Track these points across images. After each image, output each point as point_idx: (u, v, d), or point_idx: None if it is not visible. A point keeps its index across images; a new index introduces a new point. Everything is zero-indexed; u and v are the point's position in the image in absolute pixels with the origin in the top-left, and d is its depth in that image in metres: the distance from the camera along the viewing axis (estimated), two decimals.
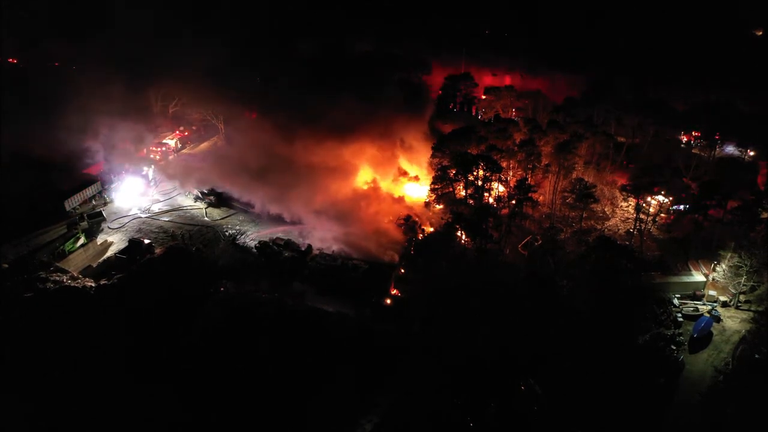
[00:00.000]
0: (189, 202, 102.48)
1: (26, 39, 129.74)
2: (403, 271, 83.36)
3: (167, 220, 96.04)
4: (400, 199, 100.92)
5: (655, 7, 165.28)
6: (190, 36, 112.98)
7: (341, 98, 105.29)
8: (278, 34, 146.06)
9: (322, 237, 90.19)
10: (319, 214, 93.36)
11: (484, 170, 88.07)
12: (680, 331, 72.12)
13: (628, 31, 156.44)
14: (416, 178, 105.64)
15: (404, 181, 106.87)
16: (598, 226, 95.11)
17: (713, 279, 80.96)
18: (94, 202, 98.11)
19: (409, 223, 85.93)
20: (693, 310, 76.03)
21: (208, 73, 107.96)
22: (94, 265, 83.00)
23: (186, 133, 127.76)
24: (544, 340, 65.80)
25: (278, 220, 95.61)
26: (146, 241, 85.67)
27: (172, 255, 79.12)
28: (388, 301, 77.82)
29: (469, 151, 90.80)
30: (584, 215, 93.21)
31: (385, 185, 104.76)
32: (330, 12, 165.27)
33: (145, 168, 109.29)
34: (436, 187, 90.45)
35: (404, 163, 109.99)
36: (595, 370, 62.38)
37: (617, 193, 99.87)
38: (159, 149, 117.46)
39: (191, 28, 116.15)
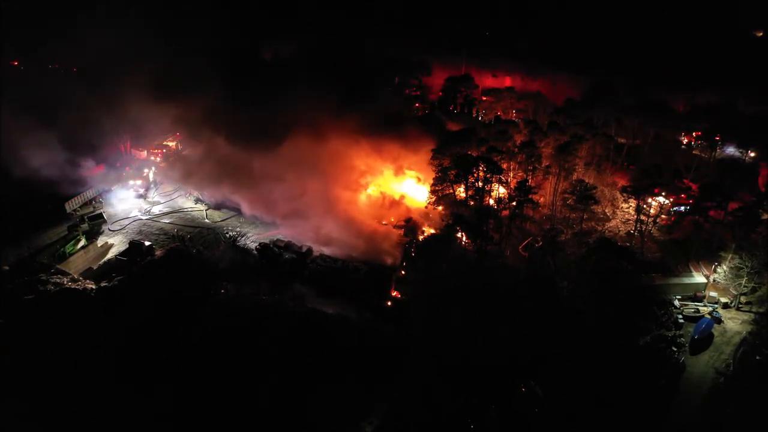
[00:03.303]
0: (190, 204, 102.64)
1: (27, 41, 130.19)
2: (403, 272, 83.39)
3: (168, 222, 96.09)
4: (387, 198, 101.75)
5: (655, 8, 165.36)
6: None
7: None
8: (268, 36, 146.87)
9: (317, 238, 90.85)
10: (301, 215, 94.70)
11: (484, 172, 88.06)
12: (681, 332, 71.93)
13: (628, 32, 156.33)
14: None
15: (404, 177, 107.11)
16: (599, 228, 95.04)
17: (714, 280, 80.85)
18: (94, 204, 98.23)
19: (409, 225, 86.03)
20: (694, 312, 75.86)
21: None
22: (95, 267, 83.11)
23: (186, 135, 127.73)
24: (544, 341, 65.76)
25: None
26: (147, 243, 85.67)
27: (172, 257, 79.17)
28: (389, 303, 77.81)
29: (469, 152, 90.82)
30: (585, 216, 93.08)
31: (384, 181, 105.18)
32: (333, 12, 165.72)
33: (146, 170, 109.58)
34: (437, 188, 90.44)
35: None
36: (596, 371, 62.32)
37: (618, 195, 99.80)
38: (159, 151, 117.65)
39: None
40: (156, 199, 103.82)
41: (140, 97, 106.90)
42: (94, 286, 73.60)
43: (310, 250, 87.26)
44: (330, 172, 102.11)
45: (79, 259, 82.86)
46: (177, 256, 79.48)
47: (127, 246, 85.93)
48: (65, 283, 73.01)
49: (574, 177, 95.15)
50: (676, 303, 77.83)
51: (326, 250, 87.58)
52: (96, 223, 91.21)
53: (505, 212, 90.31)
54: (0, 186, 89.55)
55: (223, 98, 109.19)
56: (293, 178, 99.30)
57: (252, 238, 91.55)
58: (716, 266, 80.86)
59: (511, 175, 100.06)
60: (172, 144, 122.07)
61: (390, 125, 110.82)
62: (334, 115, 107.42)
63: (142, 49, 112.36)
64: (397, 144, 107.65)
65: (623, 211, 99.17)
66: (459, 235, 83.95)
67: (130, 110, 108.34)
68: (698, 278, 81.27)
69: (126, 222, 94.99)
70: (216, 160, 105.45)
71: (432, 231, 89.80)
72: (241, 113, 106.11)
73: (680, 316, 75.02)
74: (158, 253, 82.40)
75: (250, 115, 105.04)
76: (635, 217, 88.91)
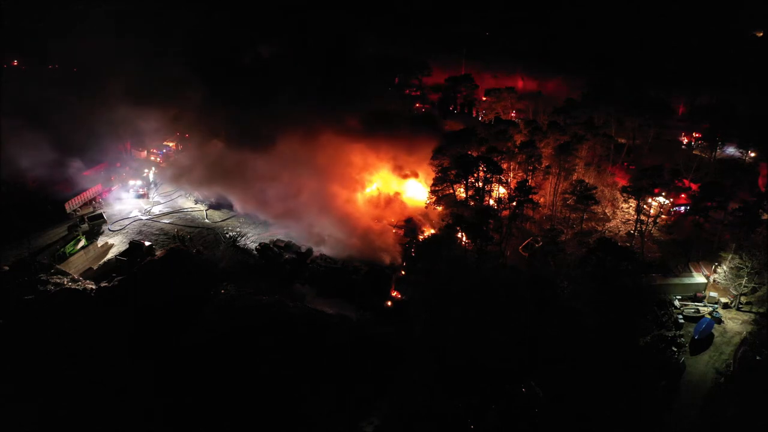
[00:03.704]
0: (190, 204, 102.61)
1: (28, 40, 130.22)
2: (403, 273, 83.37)
3: (168, 222, 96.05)
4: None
5: (655, 9, 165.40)
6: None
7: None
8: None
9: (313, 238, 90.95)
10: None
11: (484, 172, 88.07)
12: (681, 332, 71.91)
13: (628, 32, 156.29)
14: None
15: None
16: (599, 228, 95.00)
17: (714, 281, 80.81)
18: (94, 204, 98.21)
19: (409, 226, 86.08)
20: (694, 312, 75.82)
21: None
22: (95, 268, 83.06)
23: (186, 135, 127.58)
24: (544, 342, 65.77)
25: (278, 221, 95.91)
26: (147, 243, 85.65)
27: (172, 257, 79.20)
28: (389, 303, 77.79)
29: (469, 152, 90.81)
30: (585, 217, 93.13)
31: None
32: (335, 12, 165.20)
33: (146, 170, 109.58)
34: (437, 188, 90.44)
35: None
36: (597, 372, 62.33)
37: (618, 195, 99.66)
38: (159, 152, 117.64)
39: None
40: (156, 199, 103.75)
41: (132, 99, 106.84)
42: (94, 287, 73.61)
43: (310, 250, 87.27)
44: (325, 170, 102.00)
45: (79, 260, 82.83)
46: (177, 257, 79.54)
47: (127, 246, 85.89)
48: (65, 283, 73.06)
49: (574, 177, 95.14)
50: (677, 303, 77.81)
51: (325, 250, 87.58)
52: (96, 224, 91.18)
53: (505, 212, 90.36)
54: (0, 186, 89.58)
55: (217, 98, 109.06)
56: (288, 176, 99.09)
57: (252, 239, 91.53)
58: (716, 266, 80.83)
59: (511, 175, 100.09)
60: (172, 144, 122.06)
61: (388, 125, 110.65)
62: (331, 114, 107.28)
63: (136, 49, 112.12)
64: (395, 143, 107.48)
65: (623, 211, 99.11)
66: (459, 235, 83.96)
67: (122, 111, 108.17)
68: (698, 278, 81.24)
69: (126, 222, 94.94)
70: (209, 160, 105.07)
71: (432, 231, 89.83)
72: (235, 113, 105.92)
73: (680, 317, 74.99)
74: (158, 253, 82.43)
75: (244, 115, 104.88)
76: (635, 217, 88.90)
